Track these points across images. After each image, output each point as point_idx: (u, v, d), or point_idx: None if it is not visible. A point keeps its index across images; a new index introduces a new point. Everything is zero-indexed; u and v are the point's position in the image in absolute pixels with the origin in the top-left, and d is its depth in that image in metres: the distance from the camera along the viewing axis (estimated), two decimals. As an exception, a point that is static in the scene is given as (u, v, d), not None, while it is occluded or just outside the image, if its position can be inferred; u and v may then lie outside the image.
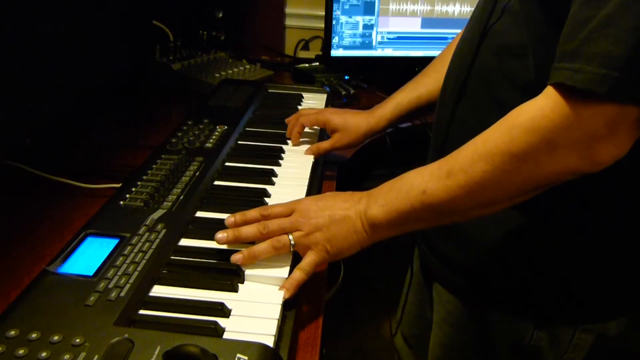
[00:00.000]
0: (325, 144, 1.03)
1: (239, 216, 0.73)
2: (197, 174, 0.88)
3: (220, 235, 0.71)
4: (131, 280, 0.62)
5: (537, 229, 0.73)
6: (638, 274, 0.76)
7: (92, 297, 0.59)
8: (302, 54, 1.95)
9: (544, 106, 0.58)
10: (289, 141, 1.08)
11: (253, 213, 0.73)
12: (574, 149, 0.57)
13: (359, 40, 1.66)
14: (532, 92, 0.61)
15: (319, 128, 1.12)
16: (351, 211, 0.71)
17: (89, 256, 0.67)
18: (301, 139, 1.07)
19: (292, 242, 0.70)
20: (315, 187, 0.95)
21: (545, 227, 0.73)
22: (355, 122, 1.02)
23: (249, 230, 0.71)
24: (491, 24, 0.74)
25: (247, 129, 1.14)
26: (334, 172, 1.10)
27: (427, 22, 1.66)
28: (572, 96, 0.56)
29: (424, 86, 0.99)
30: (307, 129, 1.10)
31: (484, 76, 0.75)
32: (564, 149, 0.57)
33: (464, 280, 0.81)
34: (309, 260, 0.70)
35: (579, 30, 0.56)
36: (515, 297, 0.77)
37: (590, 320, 0.77)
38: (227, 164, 0.98)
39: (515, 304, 0.77)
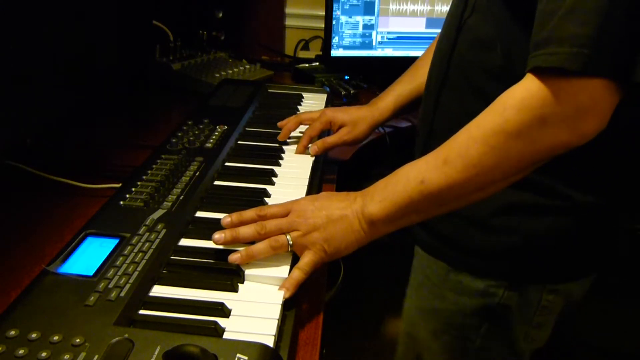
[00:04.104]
0: (331, 139, 1.04)
1: (235, 216, 0.73)
2: (197, 174, 0.88)
3: (217, 235, 0.71)
4: (131, 280, 0.62)
5: (510, 196, 0.76)
6: (601, 238, 0.81)
7: (92, 297, 0.59)
8: (302, 54, 1.95)
9: (530, 87, 0.61)
10: (288, 140, 1.08)
11: (249, 213, 0.73)
12: (563, 123, 0.61)
13: (359, 40, 1.67)
14: (502, 78, 0.67)
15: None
16: (348, 210, 0.71)
17: (89, 256, 0.67)
18: (300, 137, 1.07)
19: (290, 242, 0.71)
20: (315, 187, 0.95)
21: (518, 194, 0.76)
22: (361, 116, 1.03)
23: (246, 231, 0.71)
24: (464, 19, 0.79)
25: (247, 129, 1.14)
26: (333, 173, 1.10)
27: (431, 22, 1.66)
28: (552, 76, 0.60)
29: (422, 77, 1.01)
30: (304, 128, 1.09)
31: (462, 67, 0.80)
32: (554, 124, 0.61)
33: (442, 243, 0.85)
34: (307, 260, 0.70)
35: (547, 21, 0.61)
36: (488, 256, 0.81)
37: (555, 279, 0.81)
38: (227, 164, 0.98)
39: (487, 263, 0.81)
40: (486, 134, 0.64)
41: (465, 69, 0.79)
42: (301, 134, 1.06)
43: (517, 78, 0.64)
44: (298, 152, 1.04)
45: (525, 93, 0.62)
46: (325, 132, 1.08)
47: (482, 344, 0.85)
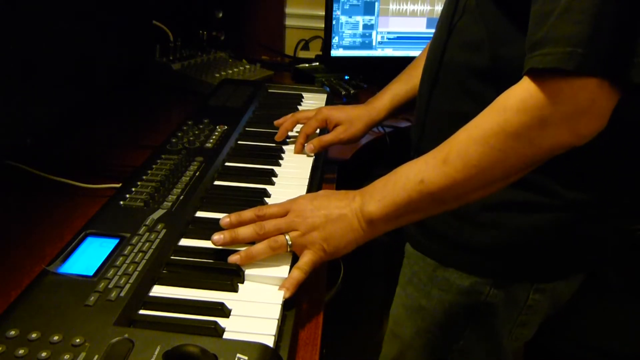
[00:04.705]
0: (327, 137, 1.04)
1: (234, 217, 0.73)
2: (197, 174, 0.88)
3: (216, 237, 0.71)
4: (131, 280, 0.62)
5: (501, 192, 0.75)
6: (590, 236, 0.80)
7: (92, 297, 0.59)
8: (302, 54, 1.95)
9: (529, 88, 0.62)
10: (288, 140, 1.08)
11: (248, 214, 0.73)
12: (562, 124, 0.61)
13: (359, 40, 1.67)
14: (489, 78, 0.70)
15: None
16: (346, 209, 0.71)
17: (89, 256, 0.67)
18: (297, 136, 1.07)
19: (289, 242, 0.71)
20: (315, 187, 0.95)
21: (509, 191, 0.75)
22: (357, 114, 1.04)
23: (245, 232, 0.71)
24: (455, 22, 0.80)
25: (247, 129, 1.14)
26: (333, 172, 1.10)
27: (431, 22, 1.66)
28: (550, 77, 0.60)
29: (418, 77, 1.01)
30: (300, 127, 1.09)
31: (452, 68, 0.81)
32: (554, 124, 0.61)
33: (431, 238, 0.86)
34: (306, 259, 0.70)
35: (543, 23, 0.61)
36: (476, 252, 0.81)
37: (542, 278, 0.81)
38: (227, 164, 0.98)
39: (474, 258, 0.81)
40: (486, 134, 0.64)
41: (454, 70, 0.80)
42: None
43: (502, 78, 0.65)
44: (296, 151, 1.04)
45: (524, 94, 0.62)
46: (322, 130, 1.09)
47: (465, 343, 0.86)
